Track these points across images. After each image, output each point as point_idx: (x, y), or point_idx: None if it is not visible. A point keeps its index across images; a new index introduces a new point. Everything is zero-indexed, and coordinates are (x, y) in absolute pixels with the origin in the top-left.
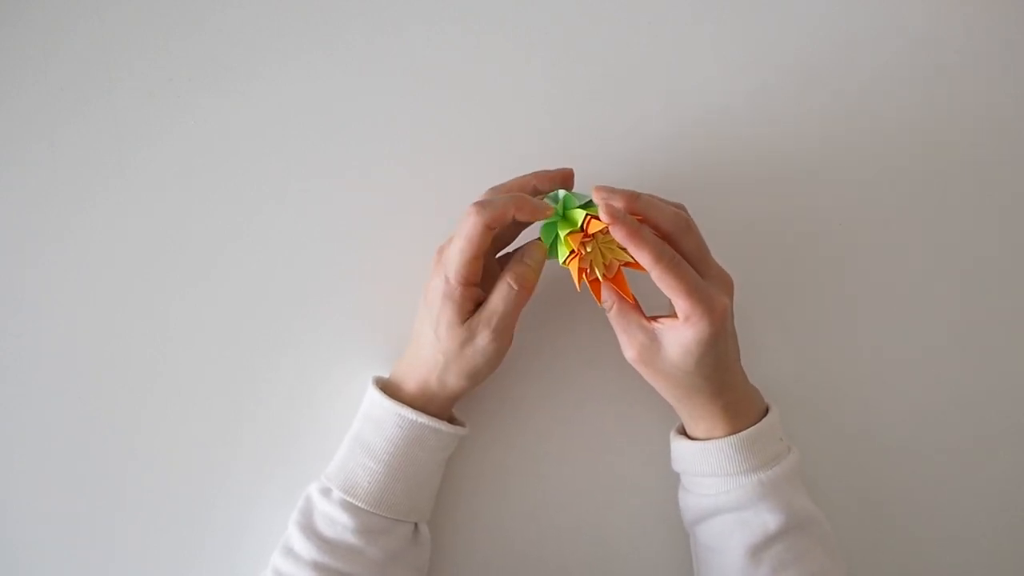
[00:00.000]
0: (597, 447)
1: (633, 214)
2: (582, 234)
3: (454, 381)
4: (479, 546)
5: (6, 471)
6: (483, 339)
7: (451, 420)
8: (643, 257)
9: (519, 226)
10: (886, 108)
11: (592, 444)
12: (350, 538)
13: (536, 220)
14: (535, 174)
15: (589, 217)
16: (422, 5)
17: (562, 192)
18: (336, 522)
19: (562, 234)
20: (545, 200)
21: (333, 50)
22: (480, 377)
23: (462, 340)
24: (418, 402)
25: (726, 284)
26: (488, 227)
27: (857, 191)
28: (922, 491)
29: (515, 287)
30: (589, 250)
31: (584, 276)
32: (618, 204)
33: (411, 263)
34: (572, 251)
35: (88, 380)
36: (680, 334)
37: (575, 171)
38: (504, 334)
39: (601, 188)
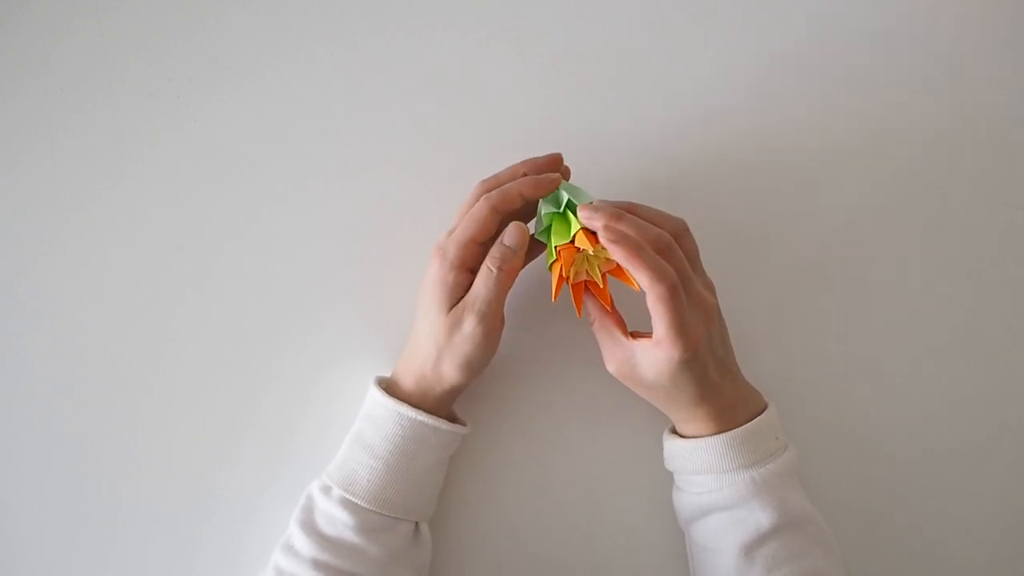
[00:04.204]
0: (594, 448)
1: (628, 210)
2: (570, 245)
3: (448, 372)
4: (476, 546)
5: (7, 471)
6: (469, 325)
7: (452, 418)
8: (640, 278)
9: (528, 215)
10: (886, 108)
11: (589, 445)
12: (350, 536)
13: (547, 193)
14: (524, 162)
15: (581, 230)
16: (422, 5)
17: (565, 195)
18: (336, 520)
19: (553, 243)
20: (546, 202)
21: (333, 50)
22: (475, 367)
23: (450, 327)
24: (414, 397)
25: (706, 309)
26: (495, 209)
27: (857, 191)
28: (921, 491)
29: (494, 270)
30: (579, 251)
31: (565, 282)
32: (602, 221)
33: (412, 262)
34: (556, 259)
35: (88, 380)
36: (651, 355)
37: (575, 171)
38: (490, 319)
39: (586, 207)
